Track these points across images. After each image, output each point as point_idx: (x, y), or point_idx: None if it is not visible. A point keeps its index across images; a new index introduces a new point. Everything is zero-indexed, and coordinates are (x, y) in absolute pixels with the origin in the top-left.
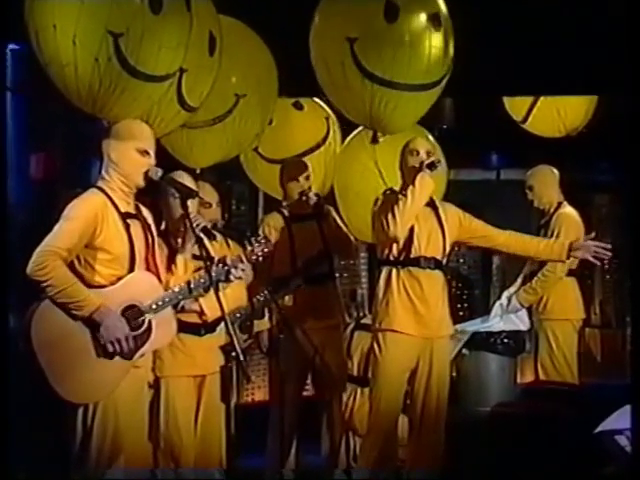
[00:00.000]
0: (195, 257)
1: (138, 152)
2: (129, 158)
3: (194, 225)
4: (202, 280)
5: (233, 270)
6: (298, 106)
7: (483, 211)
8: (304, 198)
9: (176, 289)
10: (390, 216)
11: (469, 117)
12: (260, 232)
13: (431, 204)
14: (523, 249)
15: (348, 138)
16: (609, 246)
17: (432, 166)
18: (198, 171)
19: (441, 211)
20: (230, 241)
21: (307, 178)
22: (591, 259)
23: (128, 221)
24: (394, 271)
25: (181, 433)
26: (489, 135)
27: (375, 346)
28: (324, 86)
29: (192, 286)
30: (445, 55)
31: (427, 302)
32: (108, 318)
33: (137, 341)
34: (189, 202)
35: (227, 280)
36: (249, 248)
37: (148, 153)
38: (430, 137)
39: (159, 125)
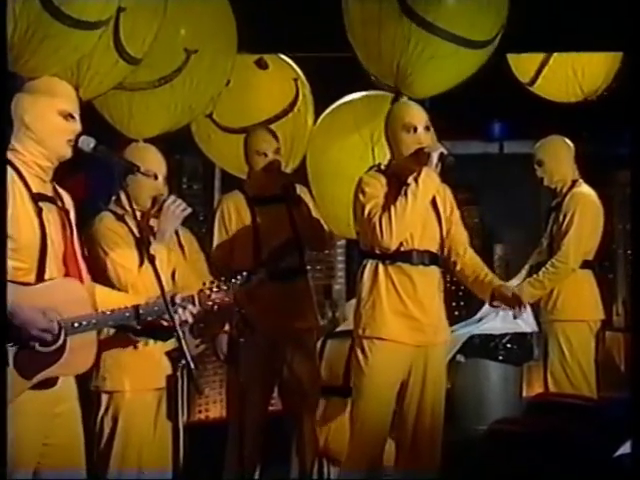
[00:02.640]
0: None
1: (60, 115)
2: (48, 122)
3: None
4: (156, 308)
5: (180, 311)
6: (261, 64)
7: (483, 191)
8: (272, 176)
9: (108, 312)
10: (385, 221)
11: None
12: (218, 217)
13: None
14: (468, 274)
15: (335, 105)
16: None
17: (445, 163)
18: (141, 142)
19: (437, 193)
20: (184, 237)
21: (277, 152)
22: (508, 309)
23: (41, 204)
24: (381, 267)
25: (141, 455)
26: (490, 100)
27: (359, 357)
28: (350, 22)
29: (141, 312)
30: (498, 12)
31: (421, 304)
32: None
33: (43, 359)
34: (130, 179)
35: (170, 321)
36: (205, 292)
37: (73, 117)
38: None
39: (92, 81)
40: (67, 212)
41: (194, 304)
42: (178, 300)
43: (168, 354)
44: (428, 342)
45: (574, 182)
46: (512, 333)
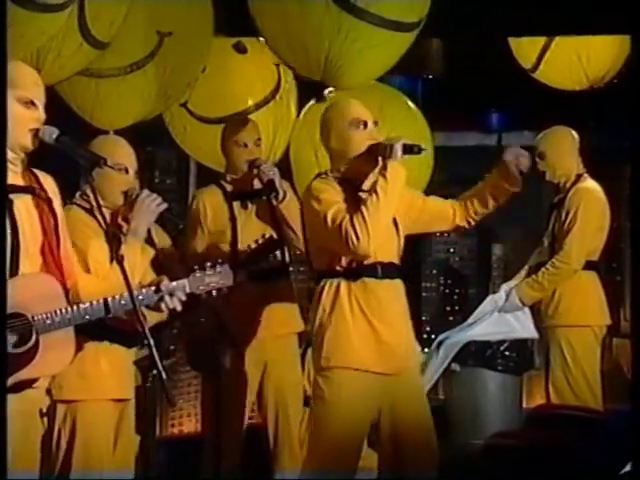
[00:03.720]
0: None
1: (20, 103)
2: (8, 111)
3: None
4: (123, 302)
5: (167, 298)
6: (240, 48)
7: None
8: (254, 170)
9: (83, 306)
10: (358, 223)
11: (463, 64)
12: (193, 213)
13: None
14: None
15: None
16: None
17: (413, 150)
18: (111, 134)
19: None
20: (156, 235)
21: (257, 144)
22: (512, 168)
23: (12, 196)
24: (343, 285)
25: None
26: (488, 87)
27: (323, 390)
28: (266, 14)
29: (110, 306)
30: None
31: (390, 324)
32: None
33: (15, 360)
34: (98, 173)
35: (156, 309)
36: (198, 275)
37: (34, 104)
38: None
39: (52, 64)
40: (49, 201)
41: (184, 290)
42: (164, 287)
43: (137, 363)
44: (400, 367)
45: (578, 176)
46: (511, 340)
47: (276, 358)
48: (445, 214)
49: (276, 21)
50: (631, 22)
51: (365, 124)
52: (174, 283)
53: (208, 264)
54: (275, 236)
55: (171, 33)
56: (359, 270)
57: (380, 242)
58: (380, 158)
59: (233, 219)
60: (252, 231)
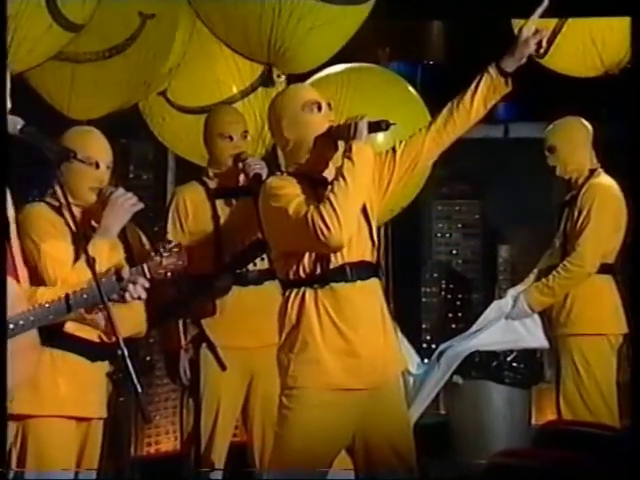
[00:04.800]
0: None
1: None
2: None
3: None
4: (85, 295)
5: (131, 287)
6: None
7: (485, 183)
8: (240, 165)
9: (46, 305)
10: (326, 211)
11: (465, 49)
12: (172, 212)
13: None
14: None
15: (313, 79)
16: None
17: (381, 127)
18: (83, 125)
19: None
20: (131, 235)
21: (244, 136)
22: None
23: None
24: (309, 294)
25: None
26: None
27: (290, 410)
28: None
29: (71, 302)
30: None
31: (366, 334)
32: None
33: None
34: (66, 168)
35: (121, 300)
36: (156, 258)
37: None
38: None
39: (19, 47)
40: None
41: (145, 275)
42: (126, 274)
43: (110, 375)
44: (378, 381)
45: (592, 171)
46: (518, 350)
47: (264, 369)
48: (416, 144)
49: (214, 5)
50: None
51: (319, 106)
52: (133, 269)
53: (162, 245)
54: (261, 239)
55: (154, 15)
56: (324, 275)
57: (353, 222)
58: (342, 141)
59: (216, 218)
60: (237, 231)
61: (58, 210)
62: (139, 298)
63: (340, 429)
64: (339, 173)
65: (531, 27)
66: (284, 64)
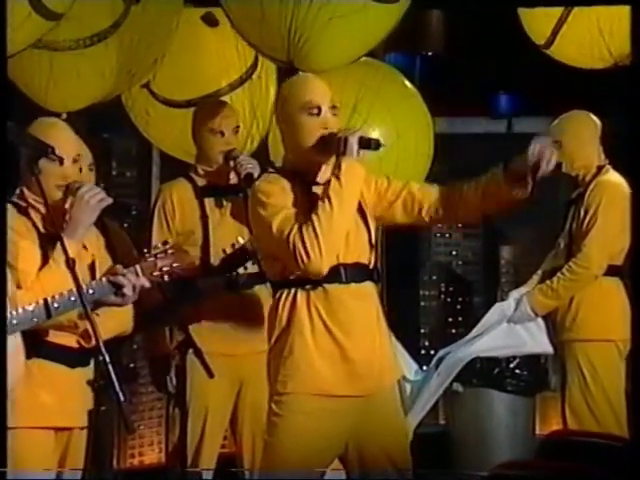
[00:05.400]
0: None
1: None
2: None
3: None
4: (72, 298)
5: (125, 289)
6: (210, 20)
7: None
8: (231, 163)
9: (29, 308)
10: (308, 237)
11: (467, 40)
12: (158, 211)
13: None
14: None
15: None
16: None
17: (370, 146)
18: (64, 117)
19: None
20: (114, 236)
21: (236, 131)
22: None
23: None
24: (301, 295)
25: None
26: (496, 67)
27: (280, 417)
28: None
29: (51, 306)
30: None
31: (360, 339)
32: None
33: None
34: (42, 163)
35: (110, 303)
36: (149, 259)
37: None
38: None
39: None
40: None
41: (137, 276)
42: (112, 277)
43: (91, 383)
44: (373, 388)
45: (600, 168)
46: (521, 356)
47: (253, 377)
48: (410, 203)
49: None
50: None
51: (319, 109)
52: (124, 271)
53: (158, 246)
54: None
55: (139, 0)
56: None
57: (337, 248)
58: (334, 154)
59: (205, 218)
60: (227, 233)
61: (25, 212)
62: (128, 301)
63: (332, 438)
64: (325, 193)
65: (542, 144)
66: (302, 60)
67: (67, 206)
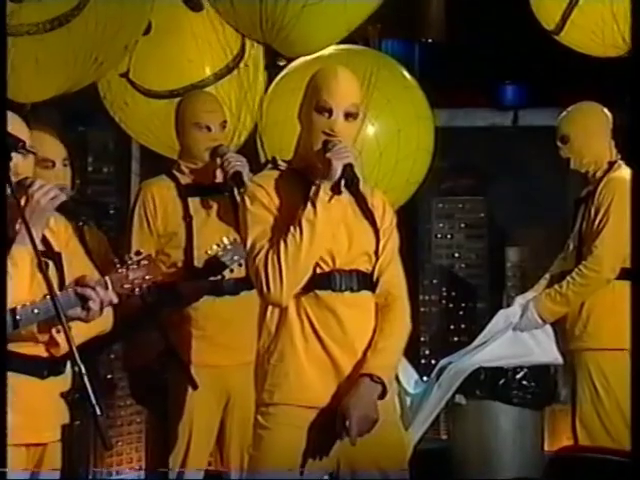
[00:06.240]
0: (44, 254)
1: None
2: None
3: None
4: (36, 310)
5: (91, 303)
6: (193, 4)
7: (491, 177)
8: (217, 160)
9: None
10: (272, 268)
11: (470, 25)
12: (138, 211)
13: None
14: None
15: (298, 62)
16: None
17: (350, 182)
18: (28, 108)
19: (365, 188)
20: (90, 238)
21: (223, 126)
22: None
23: None
24: (291, 301)
25: None
26: (501, 55)
27: (264, 432)
28: None
29: (18, 317)
30: None
31: (354, 351)
32: None
33: None
34: (15, 159)
35: (73, 317)
36: (121, 270)
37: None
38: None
39: None
40: None
41: (107, 289)
42: (79, 289)
43: (64, 395)
44: None
45: (611, 164)
46: (528, 366)
47: (241, 389)
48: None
49: None
50: None
51: (330, 112)
52: (93, 283)
53: (131, 256)
54: (240, 241)
55: None
56: (310, 279)
57: (342, 244)
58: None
59: (188, 219)
60: (212, 234)
61: None
62: (94, 315)
63: (322, 453)
64: (298, 221)
65: None
66: (281, 45)
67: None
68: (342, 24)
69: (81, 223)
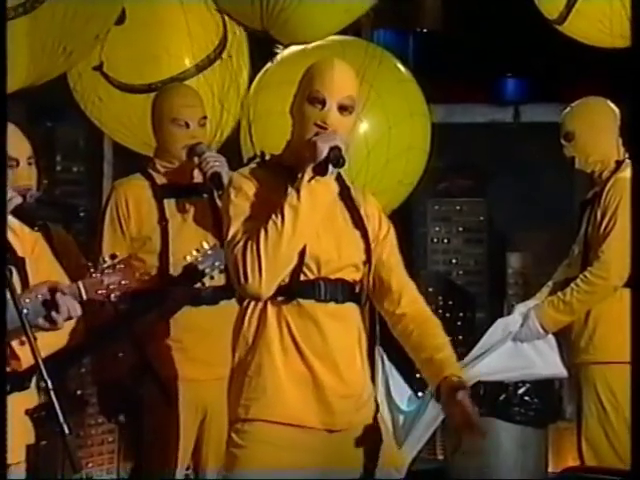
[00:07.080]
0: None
1: None
2: None
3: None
4: None
5: (56, 315)
6: None
7: (492, 176)
8: (195, 159)
9: None
10: (251, 259)
11: (468, 15)
12: (110, 213)
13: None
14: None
15: (288, 52)
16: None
17: (337, 163)
18: None
19: (358, 196)
20: (57, 240)
21: (202, 123)
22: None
23: None
24: (271, 308)
25: None
26: (501, 47)
27: (238, 450)
28: None
29: None
30: None
31: (336, 366)
32: None
33: None
34: None
35: (45, 327)
36: (95, 275)
37: None
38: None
39: None
40: None
41: (79, 298)
42: (49, 295)
43: (30, 413)
44: (347, 424)
45: (619, 164)
46: (531, 381)
47: (219, 406)
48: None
49: None
50: None
51: (324, 102)
52: (65, 289)
53: (106, 260)
54: (219, 246)
55: None
56: (292, 287)
57: (329, 253)
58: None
59: (164, 222)
60: (189, 239)
61: None
62: (69, 319)
63: (302, 475)
64: (280, 208)
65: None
66: (279, 31)
67: None
68: (343, 12)
69: (36, 228)
